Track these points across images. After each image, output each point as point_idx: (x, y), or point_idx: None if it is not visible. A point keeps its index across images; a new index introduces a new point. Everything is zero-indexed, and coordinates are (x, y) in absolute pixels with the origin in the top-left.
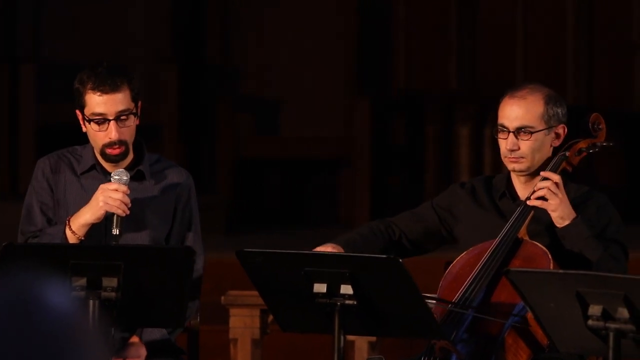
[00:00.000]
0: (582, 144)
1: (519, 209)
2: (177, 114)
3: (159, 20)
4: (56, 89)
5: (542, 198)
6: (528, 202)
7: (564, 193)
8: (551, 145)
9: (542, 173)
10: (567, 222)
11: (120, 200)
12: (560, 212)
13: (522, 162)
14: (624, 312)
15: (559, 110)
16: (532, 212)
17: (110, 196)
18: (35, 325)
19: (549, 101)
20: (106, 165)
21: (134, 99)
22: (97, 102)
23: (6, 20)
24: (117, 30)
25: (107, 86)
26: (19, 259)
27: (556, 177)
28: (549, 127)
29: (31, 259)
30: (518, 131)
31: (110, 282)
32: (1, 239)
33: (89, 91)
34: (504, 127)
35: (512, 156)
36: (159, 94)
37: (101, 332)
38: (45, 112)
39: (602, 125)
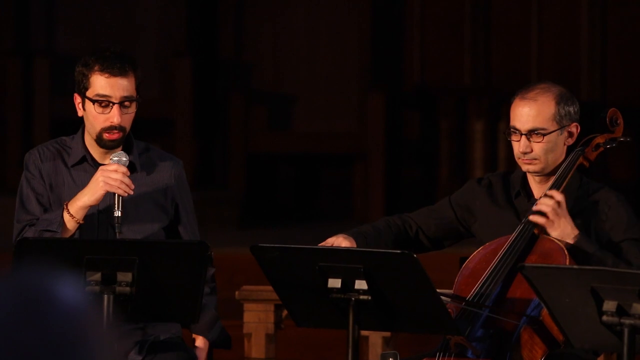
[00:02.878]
0: (600, 139)
1: (520, 225)
2: (191, 109)
3: (173, 14)
4: (70, 83)
5: (544, 215)
6: (529, 217)
7: (566, 212)
8: (565, 145)
9: (546, 192)
10: (569, 242)
11: (120, 180)
12: (560, 232)
13: (535, 164)
14: (638, 308)
15: (571, 109)
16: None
17: (110, 176)
18: (49, 320)
19: (560, 101)
20: (96, 156)
21: (137, 89)
22: (103, 84)
23: (20, 13)
24: (131, 24)
25: (115, 69)
26: (33, 254)
27: (559, 197)
28: (562, 127)
29: (45, 254)
30: (530, 133)
31: (124, 277)
32: (11, 233)
33: (96, 72)
34: (515, 129)
35: (526, 158)
36: (172, 88)
37: (115, 327)
38: (59, 106)
39: (620, 120)
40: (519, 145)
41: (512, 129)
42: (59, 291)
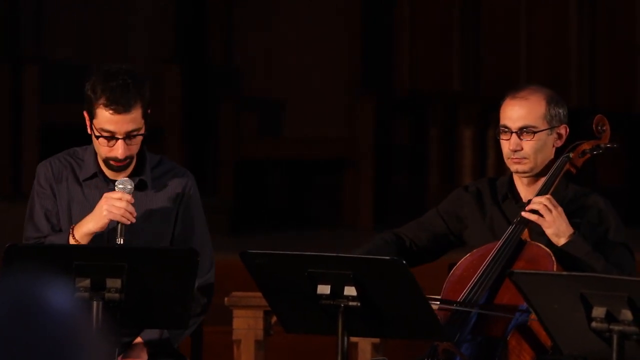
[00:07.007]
0: (586, 146)
1: (510, 227)
2: (180, 115)
3: (162, 20)
4: (59, 89)
5: (538, 213)
6: (522, 214)
7: (561, 210)
8: (554, 146)
9: (534, 199)
10: (564, 240)
11: (124, 209)
12: (555, 229)
13: (525, 163)
14: (627, 314)
15: (561, 111)
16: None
17: (114, 205)
18: (38, 326)
19: (550, 101)
20: (108, 173)
21: (144, 115)
22: (108, 119)
23: (9, 19)
24: (120, 31)
25: (120, 106)
26: (22, 260)
27: (551, 198)
28: (551, 127)
29: (35, 260)
30: (521, 131)
31: (114, 283)
32: (4, 239)
33: (102, 106)
34: (506, 127)
35: (515, 157)
36: (161, 94)
37: (105, 334)
38: (49, 112)
39: (606, 127)
40: (509, 144)
41: (502, 128)
42: (48, 297)
